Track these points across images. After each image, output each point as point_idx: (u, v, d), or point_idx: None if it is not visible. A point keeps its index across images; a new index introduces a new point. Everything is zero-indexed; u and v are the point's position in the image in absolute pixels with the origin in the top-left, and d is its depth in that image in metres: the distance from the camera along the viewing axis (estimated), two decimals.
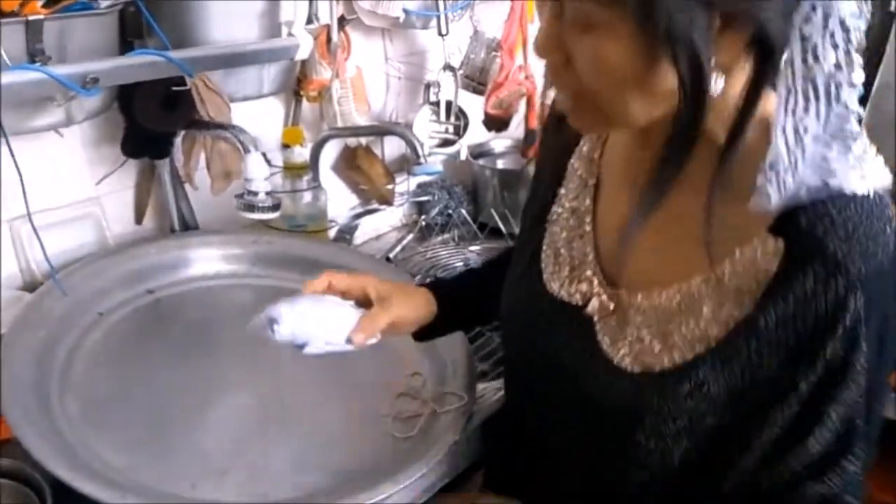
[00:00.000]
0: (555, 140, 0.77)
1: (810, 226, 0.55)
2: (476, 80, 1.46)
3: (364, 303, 0.78)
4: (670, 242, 0.63)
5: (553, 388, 0.73)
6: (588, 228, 0.71)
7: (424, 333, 0.84)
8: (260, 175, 1.01)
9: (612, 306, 0.66)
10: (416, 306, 0.81)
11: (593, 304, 0.68)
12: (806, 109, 0.52)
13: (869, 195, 0.56)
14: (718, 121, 0.55)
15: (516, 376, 0.83)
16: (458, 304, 0.85)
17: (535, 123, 1.51)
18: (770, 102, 0.54)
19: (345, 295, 0.77)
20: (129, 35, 0.97)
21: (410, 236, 1.50)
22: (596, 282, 0.68)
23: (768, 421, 0.59)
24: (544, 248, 0.74)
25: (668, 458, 0.64)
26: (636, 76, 0.53)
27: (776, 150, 0.53)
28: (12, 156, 0.87)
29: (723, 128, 0.54)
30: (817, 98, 0.52)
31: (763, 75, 0.52)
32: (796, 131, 0.52)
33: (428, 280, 0.92)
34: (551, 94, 0.67)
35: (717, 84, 0.52)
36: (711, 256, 0.57)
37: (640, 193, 0.58)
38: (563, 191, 0.74)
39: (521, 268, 0.77)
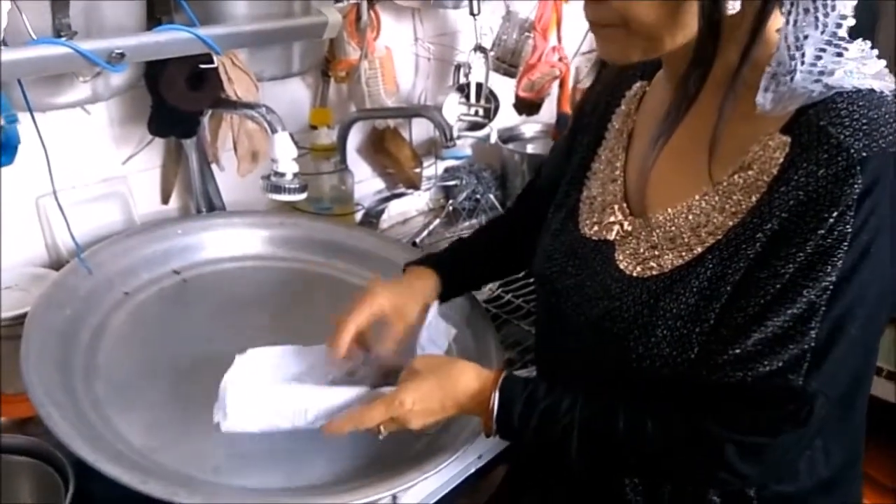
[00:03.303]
0: (596, 104, 0.82)
1: (816, 118, 0.59)
2: (507, 62, 1.43)
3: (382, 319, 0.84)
4: (685, 163, 0.67)
5: (579, 326, 0.73)
6: (619, 173, 0.75)
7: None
8: (287, 156, 0.99)
9: (630, 229, 0.71)
10: (424, 295, 0.88)
11: (614, 230, 0.72)
12: (805, 19, 0.57)
13: (875, 90, 0.59)
14: (733, 44, 0.60)
15: (547, 335, 0.83)
16: (458, 274, 0.93)
17: (567, 107, 1.47)
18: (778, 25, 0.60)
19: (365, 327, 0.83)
20: (158, 12, 0.96)
21: (437, 221, 1.48)
22: (619, 213, 0.73)
23: (744, 305, 0.61)
24: (582, 199, 0.78)
25: (672, 360, 0.65)
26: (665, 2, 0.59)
27: (779, 56, 0.58)
28: (38, 132, 0.86)
29: (736, 51, 0.60)
30: (816, 8, 0.57)
31: None
32: (797, 38, 0.57)
33: (426, 255, 0.96)
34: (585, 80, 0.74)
35: (734, 3, 0.57)
36: (718, 165, 0.63)
37: (665, 111, 0.65)
38: (601, 149, 0.79)
39: (557, 223, 0.80)
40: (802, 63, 0.57)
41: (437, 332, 0.86)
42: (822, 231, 0.57)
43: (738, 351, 0.61)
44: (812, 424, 0.61)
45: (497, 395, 0.70)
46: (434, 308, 0.86)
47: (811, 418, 0.60)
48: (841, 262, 0.57)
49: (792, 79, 0.58)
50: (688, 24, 0.60)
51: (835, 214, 0.57)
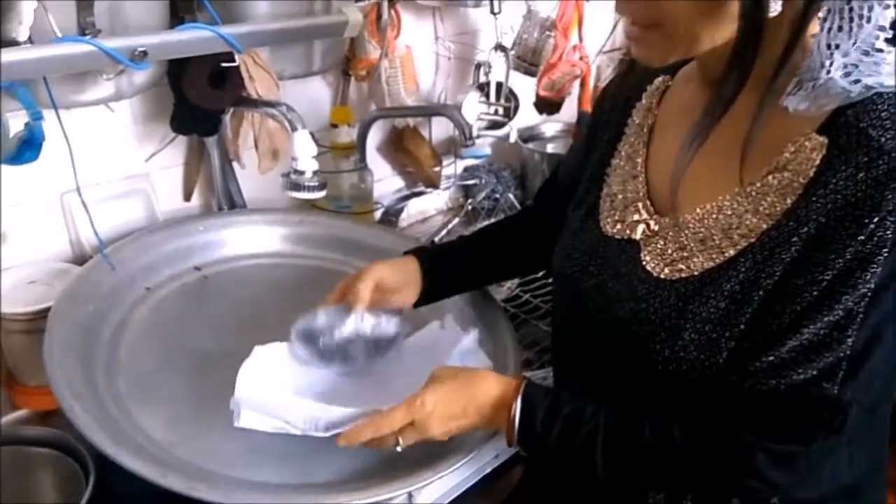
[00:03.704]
0: (615, 100, 0.81)
1: (855, 119, 0.58)
2: (528, 61, 1.42)
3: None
4: (715, 162, 0.65)
5: (601, 328, 0.72)
6: (641, 169, 0.73)
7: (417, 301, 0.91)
8: (307, 154, 0.99)
9: (656, 228, 0.69)
10: (406, 276, 0.89)
11: (640, 230, 0.70)
12: (840, 28, 0.55)
13: None
14: (771, 47, 0.58)
15: (566, 336, 0.82)
16: (443, 274, 0.92)
17: (588, 106, 1.46)
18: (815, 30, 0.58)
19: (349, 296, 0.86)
20: (180, 10, 0.97)
21: (456, 220, 1.48)
22: (644, 212, 0.71)
23: (780, 312, 0.59)
24: (603, 196, 0.77)
25: (700, 363, 0.63)
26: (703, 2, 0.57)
27: (810, 62, 0.57)
28: (63, 129, 0.87)
29: (774, 55, 0.58)
30: (851, 19, 0.55)
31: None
32: (829, 46, 0.56)
33: (419, 246, 0.98)
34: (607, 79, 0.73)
35: (776, 4, 0.56)
36: (751, 166, 0.61)
37: (700, 114, 0.62)
38: (621, 144, 0.77)
39: (577, 221, 0.79)
40: (829, 72, 0.56)
41: (469, 357, 0.84)
42: (862, 237, 0.56)
43: (771, 358, 0.59)
44: (846, 433, 0.60)
45: (520, 401, 0.69)
46: (474, 335, 0.85)
47: (845, 427, 0.59)
48: (881, 268, 0.56)
49: (814, 86, 0.56)
50: (726, 24, 0.58)
51: (875, 220, 0.55)
